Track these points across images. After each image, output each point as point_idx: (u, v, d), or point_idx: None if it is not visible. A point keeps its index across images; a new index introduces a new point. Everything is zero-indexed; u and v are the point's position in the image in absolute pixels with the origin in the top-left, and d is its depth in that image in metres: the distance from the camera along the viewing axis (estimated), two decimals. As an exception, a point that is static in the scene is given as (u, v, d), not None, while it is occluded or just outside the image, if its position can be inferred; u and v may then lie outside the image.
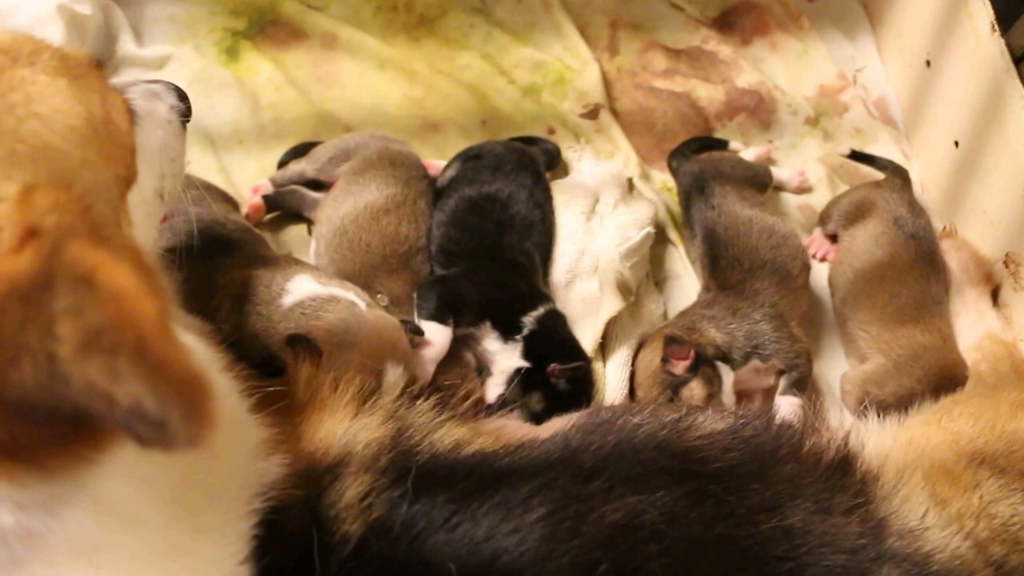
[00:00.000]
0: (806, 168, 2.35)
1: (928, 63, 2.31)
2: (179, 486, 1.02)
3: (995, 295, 2.08)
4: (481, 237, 1.93)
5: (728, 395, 1.85)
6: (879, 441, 1.61)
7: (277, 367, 1.51)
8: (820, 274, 2.15)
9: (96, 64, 1.23)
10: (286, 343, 1.53)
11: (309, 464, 1.27)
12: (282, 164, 2.17)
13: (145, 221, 1.33)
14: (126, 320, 0.71)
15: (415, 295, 1.84)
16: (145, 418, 0.70)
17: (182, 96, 1.49)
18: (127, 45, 2.31)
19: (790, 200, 2.32)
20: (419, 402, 1.48)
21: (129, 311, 0.72)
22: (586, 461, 1.35)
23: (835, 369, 2.07)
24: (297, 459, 1.26)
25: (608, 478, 1.31)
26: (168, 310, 0.76)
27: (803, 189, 2.31)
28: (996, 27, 2.05)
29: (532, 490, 1.26)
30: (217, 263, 1.77)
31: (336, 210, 1.95)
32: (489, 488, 1.27)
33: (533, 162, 2.10)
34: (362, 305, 1.65)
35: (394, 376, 1.59)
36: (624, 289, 1.93)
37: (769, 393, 1.93)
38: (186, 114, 1.49)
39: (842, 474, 1.47)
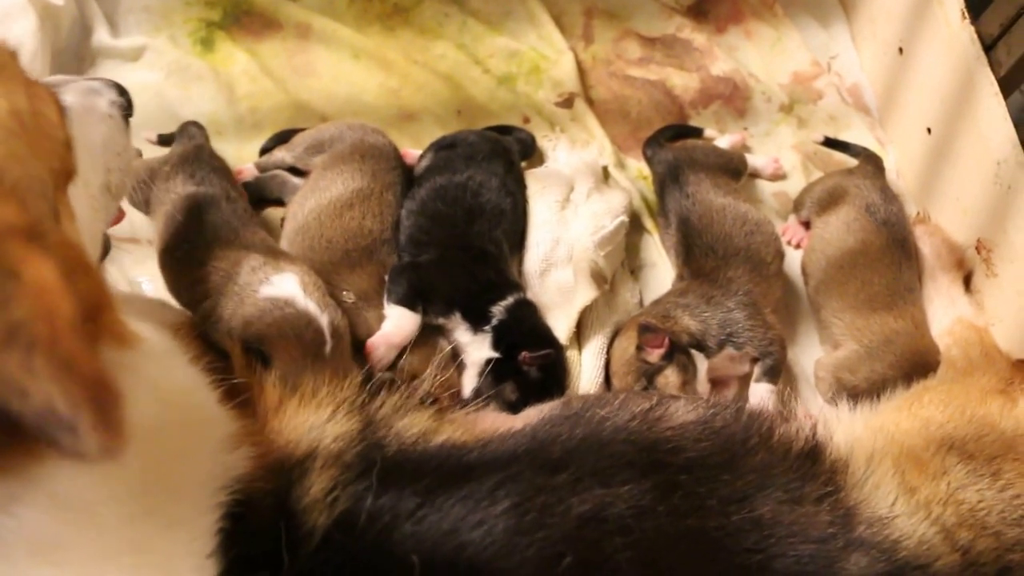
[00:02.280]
0: (780, 155, 2.35)
1: (901, 50, 2.32)
2: (140, 482, 1.01)
3: (967, 281, 2.09)
4: (450, 226, 1.93)
5: (702, 383, 1.86)
6: (849, 429, 1.63)
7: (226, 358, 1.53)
8: (795, 261, 2.16)
9: (13, 55, 1.23)
10: (242, 348, 1.54)
11: (279, 459, 1.27)
12: (266, 150, 2.18)
13: (91, 215, 1.35)
14: (43, 315, 0.72)
15: (387, 278, 1.85)
16: (58, 421, 0.71)
17: (121, 91, 1.50)
18: (102, 36, 2.30)
19: (765, 187, 2.32)
20: (389, 394, 1.49)
21: (47, 306, 0.73)
22: (553, 453, 1.37)
23: (810, 355, 2.08)
24: (267, 453, 1.27)
25: (575, 471, 1.32)
26: (100, 306, 0.76)
27: (777, 176, 2.31)
28: (966, 15, 2.05)
29: (498, 483, 1.27)
30: (217, 236, 1.81)
31: (301, 206, 1.95)
32: (456, 481, 1.28)
33: (506, 151, 2.11)
34: (329, 342, 1.64)
35: None
36: (598, 278, 1.94)
37: (743, 380, 1.94)
38: (127, 108, 1.50)
39: (812, 463, 1.48)
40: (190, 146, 2.01)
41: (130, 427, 0.73)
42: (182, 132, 2.09)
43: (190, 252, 1.79)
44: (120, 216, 1.64)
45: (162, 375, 1.14)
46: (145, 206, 1.96)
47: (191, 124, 2.11)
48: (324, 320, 1.65)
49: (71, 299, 0.74)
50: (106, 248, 1.56)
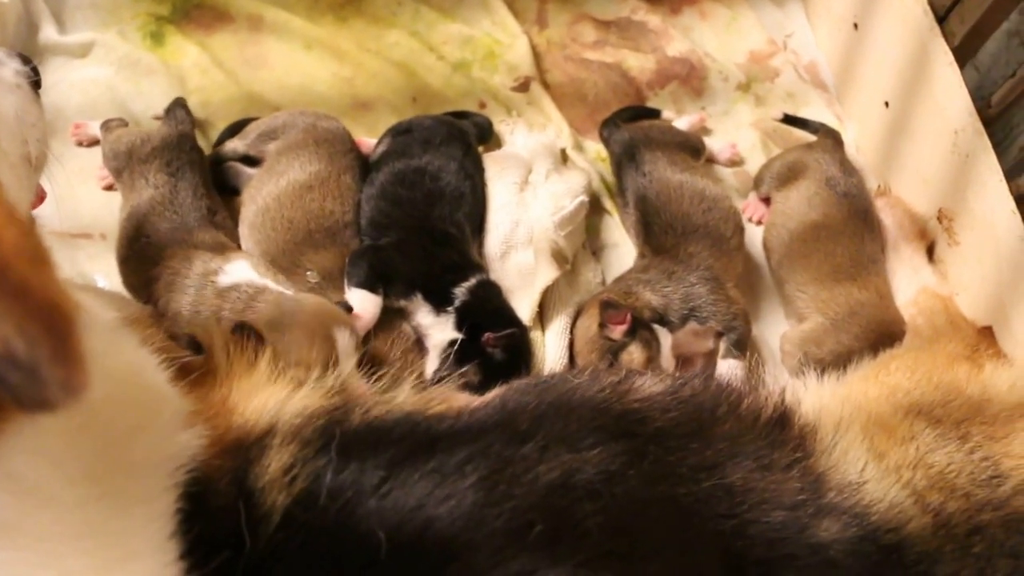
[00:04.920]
0: (739, 133, 2.35)
1: (856, 26, 2.32)
2: (94, 462, 1.00)
3: (930, 251, 2.09)
4: (411, 209, 1.91)
5: (667, 358, 1.84)
6: (816, 397, 1.63)
7: (195, 347, 1.51)
8: (757, 238, 2.15)
9: None
10: (232, 331, 1.53)
11: (238, 437, 1.25)
12: (220, 142, 2.16)
13: (16, 184, 1.35)
14: None
15: (347, 261, 1.83)
16: (15, 362, 0.68)
17: (26, 60, 1.49)
18: (49, 33, 2.27)
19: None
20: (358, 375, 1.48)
21: None
22: (521, 423, 1.35)
23: (775, 331, 2.07)
24: (226, 432, 1.25)
25: (543, 438, 1.30)
26: (40, 262, 0.73)
27: (734, 163, 2.31)
28: (918, -13, 2.06)
29: (466, 456, 1.25)
30: (172, 237, 1.84)
31: (259, 190, 1.94)
32: (422, 454, 1.26)
33: (463, 134, 2.10)
34: (291, 292, 1.69)
35: (345, 340, 1.60)
36: (559, 258, 1.93)
37: (710, 356, 1.93)
38: (33, 77, 1.48)
39: (780, 430, 1.48)
40: (175, 132, 1.99)
41: (89, 364, 0.71)
42: (170, 113, 2.06)
43: (146, 247, 1.81)
44: (42, 196, 1.62)
45: (106, 349, 1.13)
46: (117, 176, 1.97)
47: (180, 106, 2.09)
48: (282, 287, 1.69)
49: (13, 227, 0.71)
50: None
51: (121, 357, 1.17)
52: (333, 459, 1.21)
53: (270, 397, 1.33)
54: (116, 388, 1.08)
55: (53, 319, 0.69)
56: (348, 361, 1.60)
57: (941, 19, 2.03)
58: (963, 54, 2.00)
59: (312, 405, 1.32)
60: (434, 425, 1.36)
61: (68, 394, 0.69)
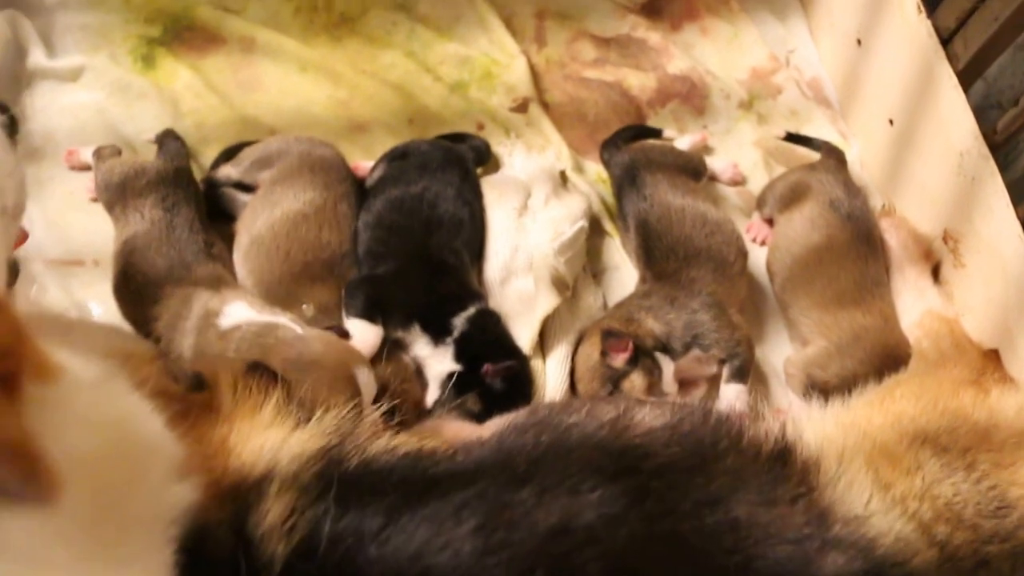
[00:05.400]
0: (741, 152, 2.32)
1: (859, 42, 2.29)
2: (85, 520, 0.98)
3: (935, 272, 2.06)
4: (408, 237, 1.89)
5: (669, 385, 1.82)
6: (819, 427, 1.61)
7: (200, 385, 1.48)
8: (761, 259, 2.13)
9: None
10: (246, 370, 1.52)
11: (234, 482, 1.25)
12: (215, 166, 2.13)
13: None
14: None
15: (343, 292, 1.81)
16: None
17: (2, 108, 1.49)
18: (38, 57, 2.23)
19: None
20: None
21: None
22: (519, 466, 1.34)
23: (779, 353, 2.05)
24: (223, 476, 1.24)
25: (540, 482, 1.29)
26: (14, 341, 0.72)
27: (736, 182, 2.28)
28: (922, 9, 2.03)
29: (463, 501, 1.24)
30: (170, 274, 1.81)
31: (254, 220, 1.91)
32: (421, 497, 1.25)
33: (461, 159, 2.07)
34: (298, 328, 1.65)
35: (366, 378, 1.59)
36: (560, 284, 1.90)
37: (713, 382, 1.91)
38: (10, 126, 1.48)
39: (783, 465, 1.46)
40: (171, 167, 1.96)
41: (60, 471, 0.73)
42: (163, 146, 2.04)
43: (144, 286, 1.79)
44: (23, 237, 1.60)
45: (93, 407, 1.10)
46: (109, 208, 1.94)
47: (173, 139, 2.06)
48: (285, 319, 1.66)
49: None
50: (14, 272, 1.56)
51: (107, 410, 1.15)
52: (331, 507, 1.20)
53: (268, 439, 1.32)
54: (100, 443, 1.06)
55: (17, 455, 0.71)
56: (369, 399, 1.59)
57: (945, 41, 2.00)
58: (967, 77, 1.98)
59: (309, 448, 1.31)
60: (431, 467, 1.34)
61: (41, 502, 0.70)
